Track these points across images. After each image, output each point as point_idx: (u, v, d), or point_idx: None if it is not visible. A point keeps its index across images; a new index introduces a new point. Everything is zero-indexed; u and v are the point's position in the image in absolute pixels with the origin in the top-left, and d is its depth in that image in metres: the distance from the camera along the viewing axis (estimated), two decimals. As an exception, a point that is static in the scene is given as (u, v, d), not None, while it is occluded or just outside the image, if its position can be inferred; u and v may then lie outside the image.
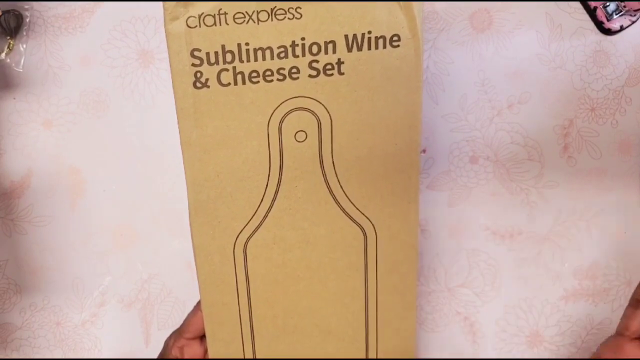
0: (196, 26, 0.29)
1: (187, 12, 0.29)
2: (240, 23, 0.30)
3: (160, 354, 0.41)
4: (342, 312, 0.37)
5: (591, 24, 0.51)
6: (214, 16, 0.29)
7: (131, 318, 0.58)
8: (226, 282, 0.35)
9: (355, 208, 0.34)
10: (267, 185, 0.33)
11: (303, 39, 0.30)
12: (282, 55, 0.30)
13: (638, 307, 0.39)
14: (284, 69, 0.31)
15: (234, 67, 0.30)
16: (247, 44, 0.30)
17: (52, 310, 0.58)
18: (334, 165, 0.33)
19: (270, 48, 0.30)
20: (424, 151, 0.54)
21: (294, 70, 0.31)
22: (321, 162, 0.33)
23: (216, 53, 0.30)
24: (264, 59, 0.30)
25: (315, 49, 0.30)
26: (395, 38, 0.31)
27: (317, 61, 0.31)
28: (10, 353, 0.59)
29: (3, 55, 0.54)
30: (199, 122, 0.31)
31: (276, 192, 0.33)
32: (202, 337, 0.40)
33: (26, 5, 0.54)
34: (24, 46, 0.55)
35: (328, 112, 0.32)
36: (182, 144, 0.32)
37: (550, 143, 0.53)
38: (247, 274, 0.35)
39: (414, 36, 0.31)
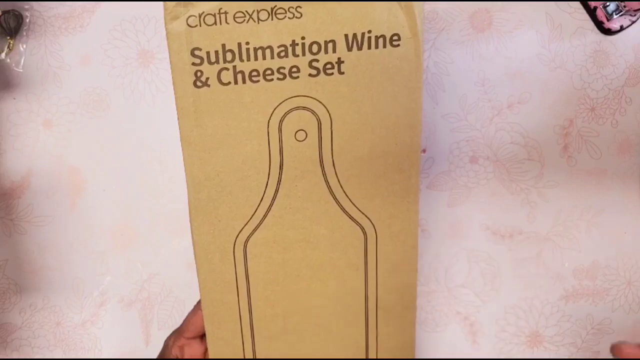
0: (196, 25, 0.29)
1: (187, 12, 0.29)
2: (241, 22, 0.30)
3: (160, 353, 0.41)
4: (342, 311, 0.36)
5: (591, 24, 0.51)
6: (214, 15, 0.29)
7: (131, 318, 0.58)
8: (226, 281, 0.35)
9: (355, 207, 0.34)
10: (267, 185, 0.33)
11: (303, 38, 0.30)
12: (283, 54, 0.30)
13: None
14: (284, 68, 0.31)
15: (234, 66, 0.30)
16: (247, 43, 0.30)
17: (52, 310, 0.58)
18: (334, 165, 0.33)
19: (270, 47, 0.30)
20: (424, 151, 0.54)
21: (294, 69, 0.31)
22: (321, 161, 0.33)
23: (216, 52, 0.30)
24: (264, 58, 0.30)
25: (315, 48, 0.30)
26: (395, 37, 0.31)
27: (317, 60, 0.31)
28: (10, 353, 0.59)
29: (3, 55, 0.54)
30: (199, 121, 0.31)
31: (276, 191, 0.33)
32: (202, 337, 0.40)
33: (26, 5, 0.54)
34: (24, 46, 0.55)
35: (328, 112, 0.32)
36: (182, 143, 0.32)
37: (550, 143, 0.53)
38: (247, 273, 0.35)
39: (414, 36, 0.31)
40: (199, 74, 0.30)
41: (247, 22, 0.30)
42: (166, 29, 0.29)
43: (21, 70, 0.55)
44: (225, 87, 0.31)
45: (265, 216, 0.33)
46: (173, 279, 0.58)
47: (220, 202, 0.33)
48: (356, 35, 0.30)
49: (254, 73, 0.31)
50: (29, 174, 0.56)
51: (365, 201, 0.34)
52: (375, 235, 0.35)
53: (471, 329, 0.56)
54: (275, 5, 0.30)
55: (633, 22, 0.50)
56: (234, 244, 0.34)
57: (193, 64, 0.30)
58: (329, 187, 0.33)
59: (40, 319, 0.59)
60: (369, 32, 0.30)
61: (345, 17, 0.30)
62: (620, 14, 0.50)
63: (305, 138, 0.32)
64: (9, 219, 0.57)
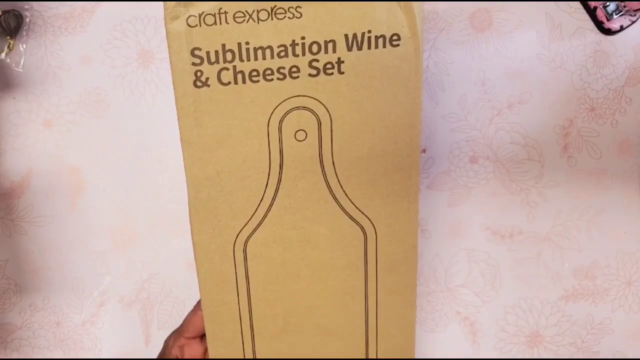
0: (196, 25, 0.29)
1: (187, 12, 0.29)
2: (241, 22, 0.30)
3: (160, 353, 0.41)
4: (342, 311, 0.36)
5: (591, 24, 0.51)
6: (214, 15, 0.29)
7: (131, 318, 0.58)
8: (226, 281, 0.35)
9: (355, 207, 0.34)
10: (267, 184, 0.33)
11: (303, 38, 0.30)
12: (282, 54, 0.30)
13: None
14: (284, 68, 0.31)
15: (234, 66, 0.30)
16: (247, 43, 0.30)
17: (52, 310, 0.58)
18: (334, 165, 0.33)
19: (270, 47, 0.30)
20: (424, 151, 0.54)
21: (294, 69, 0.31)
22: (321, 161, 0.33)
23: (216, 52, 0.30)
24: (264, 58, 0.30)
25: (315, 48, 0.30)
26: (395, 37, 0.31)
27: (317, 60, 0.31)
28: (10, 353, 0.59)
29: (3, 55, 0.54)
30: (199, 121, 0.31)
31: (276, 191, 0.33)
32: (202, 337, 0.40)
33: (26, 5, 0.54)
34: (24, 46, 0.55)
35: (328, 112, 0.32)
36: (182, 143, 0.32)
37: (550, 143, 0.53)
38: (247, 273, 0.35)
39: (413, 35, 0.31)
40: (199, 73, 0.30)
41: (247, 22, 0.30)
42: (166, 29, 0.29)
43: (21, 70, 0.55)
44: (225, 87, 0.31)
45: (265, 216, 0.34)
46: (173, 279, 0.58)
47: (220, 202, 0.33)
48: (356, 35, 0.30)
49: (254, 73, 0.31)
50: (29, 174, 0.56)
51: (365, 201, 0.34)
52: (375, 235, 0.35)
53: (471, 329, 0.56)
54: (275, 5, 0.30)
55: (633, 22, 0.50)
56: (234, 244, 0.34)
57: (193, 64, 0.30)
58: (329, 187, 0.33)
59: (40, 319, 0.59)
60: (369, 32, 0.30)
61: (345, 17, 0.30)
62: (620, 14, 0.50)
63: (305, 138, 0.32)
64: (9, 219, 0.57)
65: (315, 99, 0.31)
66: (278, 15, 0.30)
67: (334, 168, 0.33)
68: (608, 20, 0.50)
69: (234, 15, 0.29)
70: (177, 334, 0.40)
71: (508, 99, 0.53)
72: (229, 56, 0.30)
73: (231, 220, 0.33)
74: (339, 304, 0.36)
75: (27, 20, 0.54)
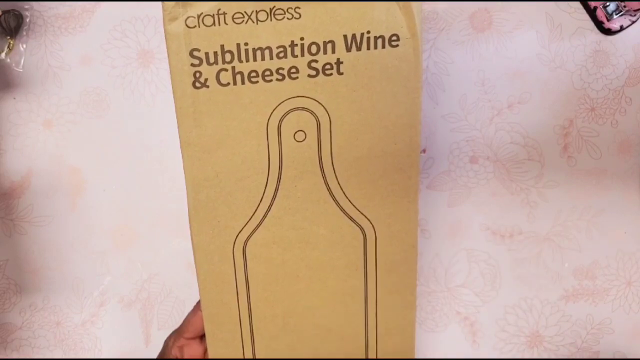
0: (195, 26, 0.29)
1: (186, 12, 0.29)
2: (239, 23, 0.30)
3: (160, 353, 0.41)
4: (341, 311, 0.36)
5: (591, 24, 0.51)
6: (213, 16, 0.29)
7: (131, 318, 0.59)
8: (226, 281, 0.35)
9: (354, 208, 0.34)
10: (266, 185, 0.33)
11: (302, 38, 0.30)
12: (281, 55, 0.30)
13: None
14: (283, 68, 0.31)
15: (233, 67, 0.30)
16: (246, 44, 0.30)
17: (52, 310, 0.59)
18: (333, 165, 0.33)
19: (269, 48, 0.30)
20: (424, 151, 0.54)
21: (293, 70, 0.31)
22: (320, 161, 0.33)
23: (215, 53, 0.30)
24: (263, 58, 0.30)
25: (314, 48, 0.30)
26: (394, 38, 0.31)
27: (316, 61, 0.31)
28: (10, 353, 0.59)
29: (3, 55, 0.54)
30: (198, 121, 0.31)
31: (275, 192, 0.33)
32: (201, 337, 0.40)
33: (26, 5, 0.54)
34: (24, 46, 0.55)
35: (327, 112, 0.32)
36: (181, 143, 0.32)
37: (550, 143, 0.53)
38: (247, 274, 0.35)
39: (413, 36, 0.31)
40: (197, 74, 0.30)
41: (246, 22, 0.30)
42: (165, 29, 0.29)
43: (21, 70, 0.55)
44: (224, 87, 0.31)
45: (264, 217, 0.34)
46: (173, 279, 0.58)
47: (220, 203, 0.33)
48: (355, 36, 0.30)
49: (253, 74, 0.31)
50: (29, 174, 0.56)
51: (365, 201, 0.34)
52: (374, 236, 0.35)
53: (471, 329, 0.56)
54: (274, 6, 0.30)
55: (633, 22, 0.50)
56: (234, 245, 0.34)
57: (192, 64, 0.30)
58: (328, 188, 0.33)
59: (40, 319, 0.59)
60: (368, 32, 0.30)
61: (344, 17, 0.30)
62: (620, 14, 0.50)
63: (304, 139, 0.32)
64: (9, 219, 0.57)
65: (315, 100, 0.31)
66: (277, 16, 0.30)
67: (334, 169, 0.33)
68: (608, 20, 0.50)
69: (232, 16, 0.29)
70: (176, 334, 0.40)
71: (508, 99, 0.53)
72: (227, 57, 0.30)
73: (230, 221, 0.33)
74: (339, 305, 0.36)
75: (27, 20, 0.55)
